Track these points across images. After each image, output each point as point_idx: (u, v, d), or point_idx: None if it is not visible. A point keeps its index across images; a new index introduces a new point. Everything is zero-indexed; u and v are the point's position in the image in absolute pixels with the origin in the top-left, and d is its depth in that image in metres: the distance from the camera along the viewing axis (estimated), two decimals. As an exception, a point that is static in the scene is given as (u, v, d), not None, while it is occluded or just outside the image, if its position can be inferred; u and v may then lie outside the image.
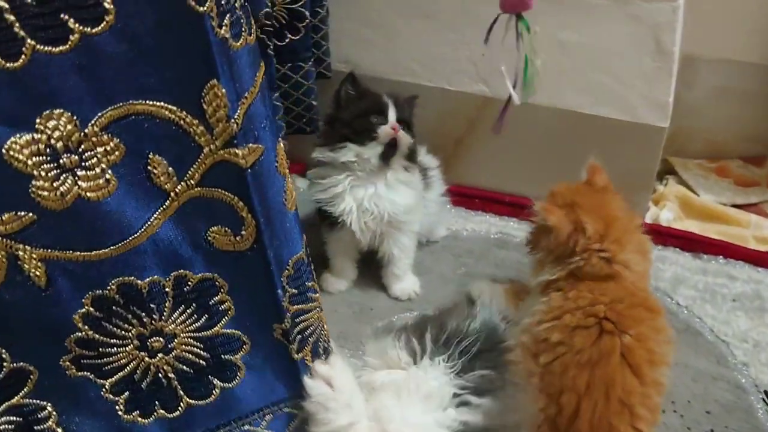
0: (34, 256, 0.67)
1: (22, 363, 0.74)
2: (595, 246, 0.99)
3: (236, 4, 0.67)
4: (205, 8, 0.63)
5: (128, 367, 0.80)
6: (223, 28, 0.66)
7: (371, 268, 1.49)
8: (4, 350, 0.73)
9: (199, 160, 0.70)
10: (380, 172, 1.32)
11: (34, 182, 0.63)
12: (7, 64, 0.59)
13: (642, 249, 1.06)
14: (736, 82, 1.68)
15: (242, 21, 0.69)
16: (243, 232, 0.76)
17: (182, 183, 0.71)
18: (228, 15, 0.66)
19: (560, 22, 1.45)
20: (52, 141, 0.63)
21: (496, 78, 1.51)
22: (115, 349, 0.78)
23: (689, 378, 1.26)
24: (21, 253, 0.66)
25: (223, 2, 0.65)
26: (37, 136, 0.62)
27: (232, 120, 0.69)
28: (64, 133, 0.63)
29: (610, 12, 1.41)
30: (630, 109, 1.45)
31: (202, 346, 0.82)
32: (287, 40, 1.38)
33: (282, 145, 0.79)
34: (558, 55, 1.47)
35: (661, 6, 1.37)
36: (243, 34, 0.69)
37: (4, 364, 0.73)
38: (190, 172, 0.71)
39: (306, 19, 1.36)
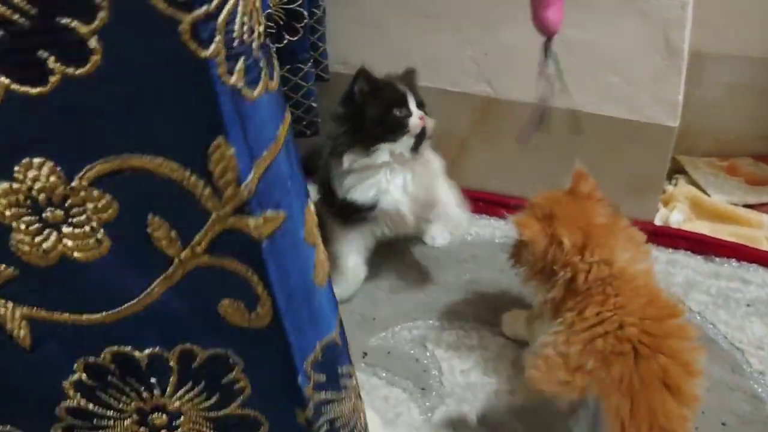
0: (18, 314, 0.60)
1: (9, 427, 0.68)
2: (574, 259, 0.96)
3: (253, 44, 0.56)
4: (210, 53, 0.52)
5: (127, 444, 0.72)
6: (235, 75, 0.55)
7: (372, 276, 1.45)
8: None
9: (206, 225, 0.60)
10: (413, 160, 1.31)
11: (14, 235, 0.57)
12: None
13: (635, 245, 1.03)
14: (746, 79, 1.64)
15: (261, 64, 0.58)
16: (258, 309, 0.65)
17: (188, 249, 0.61)
18: (242, 58, 0.55)
19: (566, 19, 1.40)
20: (33, 192, 0.56)
21: (499, 78, 1.48)
22: (112, 422, 0.69)
23: (703, 388, 1.22)
24: (2, 309, 0.60)
25: (234, 43, 0.54)
26: (15, 185, 0.55)
27: (243, 185, 0.57)
28: (47, 185, 0.56)
29: (617, 9, 1.36)
30: (638, 109, 1.41)
31: (212, 425, 0.72)
32: (285, 42, 1.34)
33: (312, 208, 0.69)
34: (563, 53, 1.41)
35: (670, 2, 1.32)
36: (262, 79, 0.58)
37: None
38: (197, 238, 0.60)
39: (304, 19, 1.32)
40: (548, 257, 0.99)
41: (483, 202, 1.60)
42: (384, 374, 1.25)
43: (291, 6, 1.29)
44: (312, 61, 1.42)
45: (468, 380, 1.23)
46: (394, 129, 1.27)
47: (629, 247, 1.01)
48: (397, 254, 1.50)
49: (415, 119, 1.28)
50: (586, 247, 0.98)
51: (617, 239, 1.01)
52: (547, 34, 1.10)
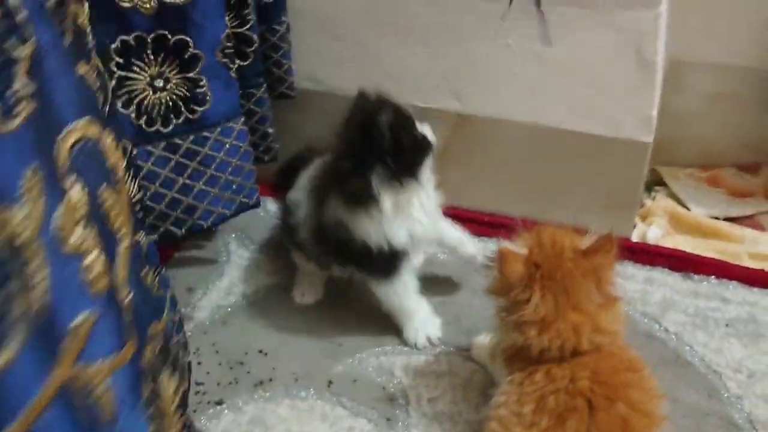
0: None
1: None
2: (530, 332, 0.92)
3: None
4: None
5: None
6: None
7: (340, 299, 1.41)
8: None
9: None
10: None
11: None
12: None
13: (613, 317, 0.97)
14: (728, 87, 1.60)
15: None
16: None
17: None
18: None
19: (539, 35, 1.36)
20: None
21: (470, 94, 1.44)
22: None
23: (679, 414, 1.18)
24: None
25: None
26: None
27: None
28: None
29: (590, 22, 1.32)
30: (613, 124, 1.37)
31: None
32: (236, 66, 1.30)
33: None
34: (536, 68, 1.39)
35: (642, 14, 1.28)
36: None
37: None
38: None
39: (254, 44, 1.27)
40: (512, 309, 0.94)
41: (455, 219, 1.56)
42: (349, 404, 1.22)
43: (241, 30, 1.25)
44: (267, 84, 1.37)
45: (435, 410, 1.20)
46: (425, 150, 1.19)
47: (606, 328, 0.95)
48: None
49: (432, 136, 1.20)
50: (550, 326, 0.92)
51: (596, 320, 0.94)
52: None
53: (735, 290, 1.41)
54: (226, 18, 1.14)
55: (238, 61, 1.22)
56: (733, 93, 1.60)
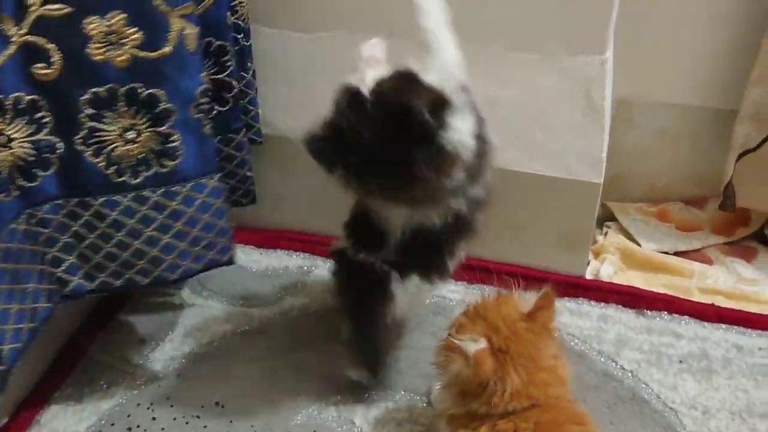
0: None
1: None
2: (511, 405, 0.93)
3: None
4: None
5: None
6: None
7: (300, 347, 1.40)
8: None
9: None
10: None
11: None
12: None
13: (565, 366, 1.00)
14: (673, 124, 1.64)
15: None
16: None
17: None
18: None
19: (489, 77, 1.38)
20: None
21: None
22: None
23: (637, 454, 1.20)
24: None
25: None
26: None
27: None
28: None
29: (540, 67, 1.34)
30: (564, 166, 1.39)
31: None
32: (215, 113, 1.28)
33: None
34: (489, 110, 1.39)
35: (589, 60, 1.31)
36: None
37: None
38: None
39: (234, 89, 1.27)
40: (484, 391, 0.94)
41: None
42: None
43: (220, 77, 1.24)
44: (244, 130, 1.37)
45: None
46: None
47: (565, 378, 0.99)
48: (324, 324, 1.45)
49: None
50: (519, 394, 0.93)
51: (558, 373, 0.98)
52: None
53: (687, 325, 1.43)
54: (202, 74, 1.13)
55: (217, 107, 1.21)
56: (678, 130, 1.64)
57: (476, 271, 1.51)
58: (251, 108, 1.44)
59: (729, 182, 1.54)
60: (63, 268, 1.15)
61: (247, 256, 1.63)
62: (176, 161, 1.12)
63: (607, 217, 1.73)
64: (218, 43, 1.25)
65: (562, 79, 1.34)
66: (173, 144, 1.11)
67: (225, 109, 1.30)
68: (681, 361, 1.36)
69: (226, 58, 1.26)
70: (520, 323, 0.96)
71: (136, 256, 1.18)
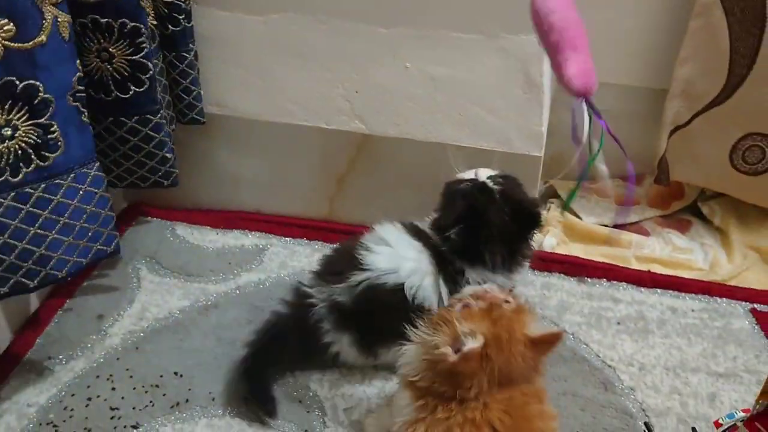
0: None
1: None
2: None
3: None
4: None
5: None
6: None
7: (255, 322, 1.44)
8: None
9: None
10: None
11: None
12: None
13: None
14: (611, 104, 1.71)
15: None
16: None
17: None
18: None
19: (433, 57, 1.45)
20: None
21: (372, 115, 1.50)
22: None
23: (578, 407, 1.26)
24: None
25: None
26: None
27: None
28: None
29: (481, 46, 1.41)
30: (506, 141, 1.46)
31: None
32: (132, 93, 1.30)
33: None
34: (432, 89, 1.46)
35: (527, 38, 1.38)
36: None
37: None
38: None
39: (149, 71, 1.29)
40: (447, 378, 0.95)
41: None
42: (266, 419, 1.24)
43: (135, 57, 1.26)
44: (161, 111, 1.37)
45: (351, 418, 1.24)
46: None
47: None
48: (279, 297, 1.49)
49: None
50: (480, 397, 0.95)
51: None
52: (576, 93, 1.03)
53: (625, 291, 1.52)
54: (77, 62, 1.13)
55: (134, 88, 1.23)
56: (617, 110, 1.72)
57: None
58: (193, 88, 1.47)
59: (662, 157, 1.63)
60: None
61: (204, 236, 1.66)
62: (56, 153, 1.12)
63: (549, 195, 1.80)
64: (132, 24, 1.25)
65: (502, 57, 1.41)
66: (53, 135, 1.10)
67: (142, 90, 1.31)
68: (619, 323, 1.44)
69: (140, 40, 1.27)
70: (521, 347, 0.95)
71: (22, 258, 1.14)
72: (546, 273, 1.55)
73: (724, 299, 1.50)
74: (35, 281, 1.19)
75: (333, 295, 1.23)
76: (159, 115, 1.34)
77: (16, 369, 1.33)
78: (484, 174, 1.25)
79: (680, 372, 1.34)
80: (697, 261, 1.62)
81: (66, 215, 1.17)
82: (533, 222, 1.24)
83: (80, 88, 1.15)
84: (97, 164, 1.20)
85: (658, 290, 1.52)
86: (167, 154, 1.40)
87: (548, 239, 1.63)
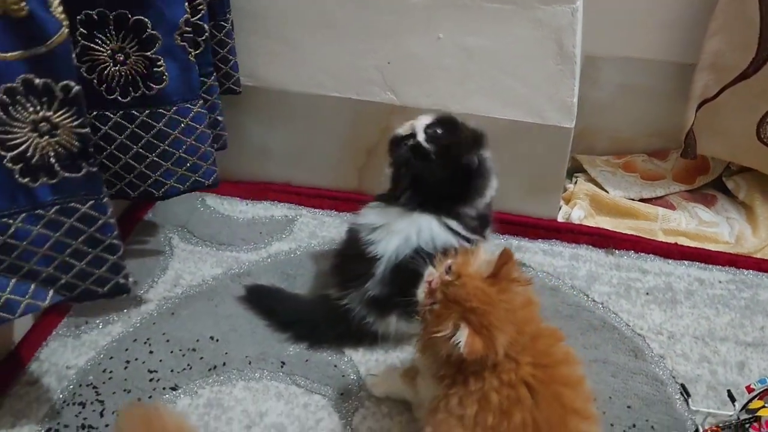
0: None
1: None
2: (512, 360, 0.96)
3: None
4: None
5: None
6: None
7: (289, 285, 1.46)
8: None
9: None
10: None
11: None
12: None
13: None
14: (639, 79, 1.73)
15: None
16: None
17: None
18: None
19: (465, 28, 1.45)
20: None
21: (403, 86, 1.51)
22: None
23: (609, 374, 1.28)
24: None
25: None
26: None
27: None
28: None
29: (514, 17, 1.42)
30: (537, 112, 1.47)
31: None
32: (194, 52, 1.32)
33: None
34: (465, 60, 1.47)
35: (561, 9, 1.39)
36: None
37: None
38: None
39: (205, 33, 1.31)
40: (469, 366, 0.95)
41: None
42: (303, 382, 1.26)
43: (192, 19, 1.28)
44: (217, 74, 1.41)
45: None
46: None
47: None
48: (315, 264, 1.51)
49: None
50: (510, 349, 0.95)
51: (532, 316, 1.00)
52: None
53: (653, 262, 1.53)
54: (185, 5, 1.19)
55: (190, 50, 1.26)
56: (642, 85, 1.73)
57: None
58: (230, 58, 1.48)
59: (690, 131, 1.63)
60: None
61: (234, 207, 1.68)
62: (161, 85, 1.21)
63: (575, 170, 1.81)
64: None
65: (536, 28, 1.42)
66: (159, 69, 1.19)
67: (198, 52, 1.33)
68: (648, 293, 1.46)
69: (198, 2, 1.29)
70: (489, 289, 0.95)
71: (125, 170, 1.27)
72: (574, 245, 1.56)
73: (751, 271, 1.51)
74: (135, 193, 1.32)
75: (366, 294, 1.27)
76: (212, 78, 1.38)
77: (53, 332, 1.35)
78: (421, 126, 1.29)
79: (709, 341, 1.35)
80: (722, 234, 1.63)
81: (166, 143, 1.26)
82: (469, 173, 1.28)
83: (187, 29, 1.21)
84: (201, 102, 1.28)
85: (686, 262, 1.53)
86: (218, 117, 1.43)
87: (576, 211, 1.64)
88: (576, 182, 1.75)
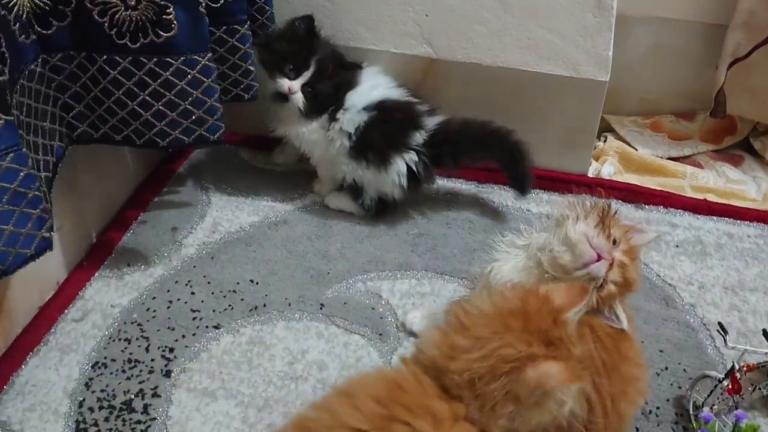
0: None
1: None
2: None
3: None
4: None
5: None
6: None
7: (324, 234, 1.49)
8: None
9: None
10: None
11: None
12: None
13: None
14: (667, 40, 1.74)
15: None
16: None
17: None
18: None
19: (501, -19, 1.46)
20: None
21: (440, 39, 1.53)
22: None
23: (641, 320, 1.30)
24: None
25: None
26: None
27: None
28: None
29: (550, -31, 1.43)
30: (572, 65, 1.48)
31: None
32: (221, 1, 1.33)
33: None
34: (501, 13, 1.48)
35: (600, -38, 1.40)
36: None
37: None
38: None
39: None
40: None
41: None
42: (342, 323, 1.29)
43: None
44: (251, 23, 1.41)
45: (423, 324, 1.28)
46: None
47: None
48: (346, 217, 1.54)
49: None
50: None
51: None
52: None
53: (682, 217, 1.55)
54: None
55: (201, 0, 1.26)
56: (671, 46, 1.74)
57: (486, 172, 1.61)
58: (267, 8, 1.48)
59: (720, 90, 1.65)
60: (72, 114, 1.26)
61: (268, 160, 1.70)
62: (169, 33, 1.20)
63: (603, 130, 1.83)
64: None
65: (573, -19, 1.43)
66: (168, 17, 1.18)
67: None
68: (677, 246, 1.48)
69: None
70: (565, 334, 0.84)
71: (132, 116, 1.27)
72: (605, 199, 1.58)
73: (779, 227, 1.54)
74: (141, 140, 1.31)
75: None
76: (245, 26, 1.37)
77: (96, 274, 1.38)
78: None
79: (738, 291, 1.38)
80: (750, 192, 1.65)
81: (173, 92, 1.25)
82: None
83: None
84: (210, 55, 1.26)
85: (714, 217, 1.55)
86: (250, 67, 1.42)
87: (606, 167, 1.66)
88: (605, 140, 1.77)
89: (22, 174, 1.02)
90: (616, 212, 1.06)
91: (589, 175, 1.65)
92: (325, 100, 1.45)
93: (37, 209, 1.05)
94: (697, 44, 1.72)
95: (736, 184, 1.67)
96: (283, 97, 1.44)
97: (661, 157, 1.73)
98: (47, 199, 1.12)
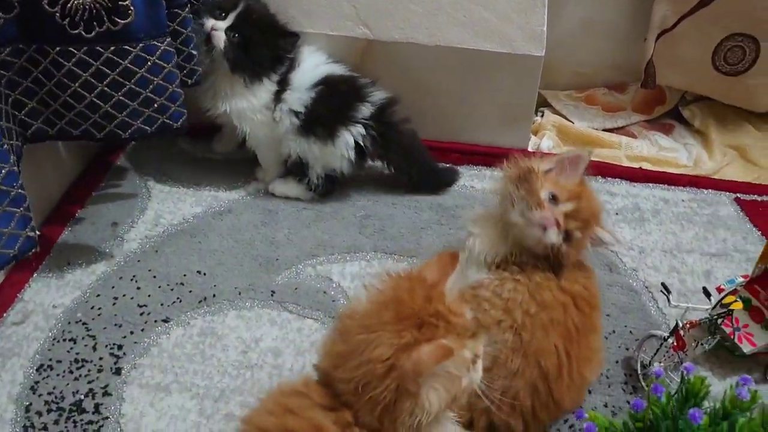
0: None
1: None
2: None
3: None
4: None
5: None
6: None
7: (270, 220, 1.47)
8: None
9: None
10: None
11: None
12: None
13: None
14: (598, 14, 1.77)
15: None
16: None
17: None
18: None
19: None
20: None
21: (377, 20, 1.53)
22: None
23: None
24: None
25: None
26: None
27: None
28: None
29: (482, -55, 1.44)
30: (508, 42, 1.50)
31: None
32: None
33: None
34: (436, -8, 1.49)
35: (530, -62, 1.42)
36: None
37: None
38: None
39: None
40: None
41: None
42: (294, 308, 1.29)
43: None
44: (189, 5, 1.38)
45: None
46: None
47: None
48: (293, 202, 1.53)
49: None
50: None
51: None
52: None
53: (619, 185, 1.60)
54: None
55: None
56: (603, 20, 1.78)
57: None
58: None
59: (649, 61, 1.70)
60: (25, 111, 1.21)
61: (208, 148, 1.67)
62: (127, 20, 1.16)
63: (540, 104, 1.86)
64: None
65: (505, -43, 1.45)
66: (124, 2, 1.15)
67: None
68: (617, 213, 1.52)
69: None
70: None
71: (90, 109, 1.23)
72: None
73: (710, 190, 1.60)
74: (101, 134, 1.27)
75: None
76: (186, 9, 1.33)
77: (35, 274, 1.34)
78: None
79: (677, 253, 1.43)
80: (681, 159, 1.71)
81: (132, 81, 1.22)
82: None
83: None
84: (168, 40, 1.24)
85: (650, 184, 1.60)
86: (193, 51, 1.38)
87: (545, 141, 1.69)
88: (543, 115, 1.80)
89: (3, 171, 0.97)
90: (537, 169, 1.09)
91: (529, 149, 1.68)
92: (256, 58, 1.42)
93: (21, 208, 1.01)
94: (626, 18, 1.77)
95: (669, 151, 1.72)
96: (209, 45, 1.41)
97: (597, 129, 1.78)
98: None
